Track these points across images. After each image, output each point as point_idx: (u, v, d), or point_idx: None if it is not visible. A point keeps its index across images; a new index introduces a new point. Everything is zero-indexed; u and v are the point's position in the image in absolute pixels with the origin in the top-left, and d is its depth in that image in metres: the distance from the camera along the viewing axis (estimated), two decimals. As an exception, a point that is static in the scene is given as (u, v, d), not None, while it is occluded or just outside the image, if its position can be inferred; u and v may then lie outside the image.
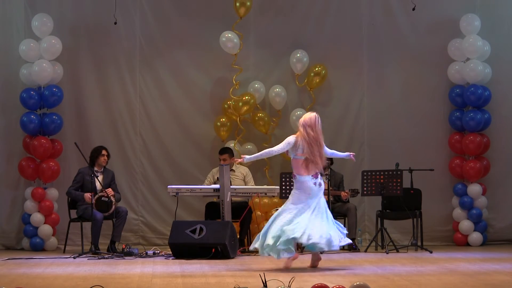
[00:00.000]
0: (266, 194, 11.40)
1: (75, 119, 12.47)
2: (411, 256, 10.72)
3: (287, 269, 8.99)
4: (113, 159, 12.11)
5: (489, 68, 12.47)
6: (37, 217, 11.95)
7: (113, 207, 11.15)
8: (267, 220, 12.14)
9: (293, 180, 9.26)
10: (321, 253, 9.40)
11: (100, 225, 11.10)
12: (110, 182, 11.42)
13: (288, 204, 9.19)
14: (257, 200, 11.68)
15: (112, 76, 12.58)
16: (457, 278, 8.16)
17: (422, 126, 12.76)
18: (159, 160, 12.64)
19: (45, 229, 11.97)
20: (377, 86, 12.79)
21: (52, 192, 12.08)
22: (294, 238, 8.94)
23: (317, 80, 12.58)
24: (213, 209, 11.52)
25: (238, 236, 10.99)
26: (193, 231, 10.44)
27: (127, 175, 12.55)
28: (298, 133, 9.18)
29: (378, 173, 11.28)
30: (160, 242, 12.29)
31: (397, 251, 11.18)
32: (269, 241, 9.00)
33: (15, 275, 8.82)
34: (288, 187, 11.16)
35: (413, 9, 12.31)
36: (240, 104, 12.33)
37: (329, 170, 11.80)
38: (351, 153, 9.69)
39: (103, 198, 11.13)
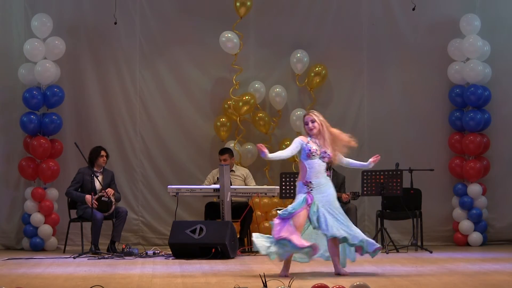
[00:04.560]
0: (266, 194, 11.39)
1: (75, 119, 12.46)
2: (411, 256, 10.71)
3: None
4: (113, 159, 12.12)
5: (489, 68, 12.46)
6: (37, 217, 11.94)
7: (113, 207, 11.15)
8: (267, 220, 12.21)
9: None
10: None
11: (100, 225, 11.09)
12: (110, 182, 11.41)
13: None
14: (257, 200, 11.68)
15: (112, 76, 12.56)
16: (457, 278, 8.16)
17: (422, 126, 12.75)
18: (159, 160, 12.63)
19: (45, 229, 11.96)
20: (377, 86, 12.78)
21: (52, 192, 12.08)
22: None
23: (317, 80, 12.57)
24: (213, 209, 11.51)
25: (238, 236, 10.99)
26: (193, 231, 10.43)
27: (127, 175, 12.54)
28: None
29: (378, 173, 11.27)
30: (160, 242, 12.28)
31: (397, 251, 11.17)
32: None
33: (15, 275, 8.82)
34: (288, 187, 11.15)
35: (413, 9, 12.30)
36: (240, 104, 12.32)
37: (331, 171, 11.80)
38: None
39: (103, 198, 11.13)
